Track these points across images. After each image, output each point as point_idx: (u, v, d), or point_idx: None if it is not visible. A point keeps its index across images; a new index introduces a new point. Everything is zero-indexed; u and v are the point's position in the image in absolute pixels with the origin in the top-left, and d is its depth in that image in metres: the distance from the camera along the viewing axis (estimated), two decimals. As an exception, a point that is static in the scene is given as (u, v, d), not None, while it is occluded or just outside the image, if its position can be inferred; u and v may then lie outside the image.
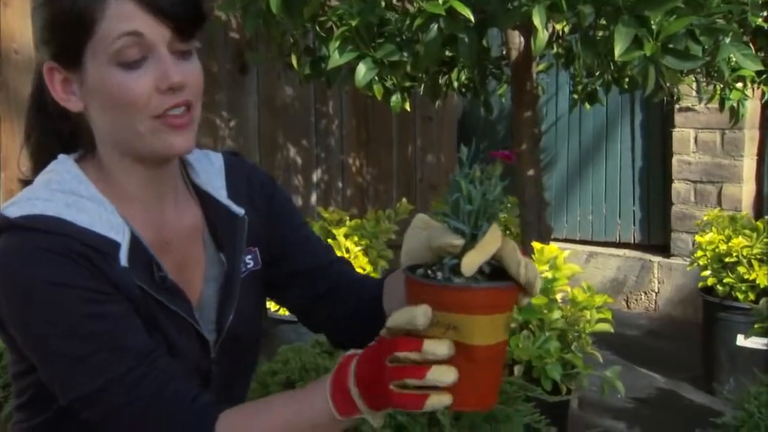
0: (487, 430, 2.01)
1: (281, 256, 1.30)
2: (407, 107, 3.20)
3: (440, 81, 3.57)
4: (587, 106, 3.85)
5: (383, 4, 2.82)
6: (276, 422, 1.02)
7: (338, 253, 1.91)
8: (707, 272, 3.76)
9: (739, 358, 3.64)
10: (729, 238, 3.71)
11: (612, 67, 3.32)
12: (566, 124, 5.73)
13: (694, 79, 3.26)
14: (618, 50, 2.26)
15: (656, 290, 5.18)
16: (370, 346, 0.96)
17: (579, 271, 3.05)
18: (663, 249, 5.26)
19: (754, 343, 3.54)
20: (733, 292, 3.65)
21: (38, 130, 1.20)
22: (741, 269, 3.61)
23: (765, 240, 3.63)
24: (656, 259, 5.21)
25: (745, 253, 3.62)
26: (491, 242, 0.90)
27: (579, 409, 3.48)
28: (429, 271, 0.92)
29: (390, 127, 5.45)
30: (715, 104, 3.35)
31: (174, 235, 1.19)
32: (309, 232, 1.36)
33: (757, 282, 3.56)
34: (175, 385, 1.05)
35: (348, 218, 3.73)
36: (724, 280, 3.67)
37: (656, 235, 5.38)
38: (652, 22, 2.27)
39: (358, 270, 1.83)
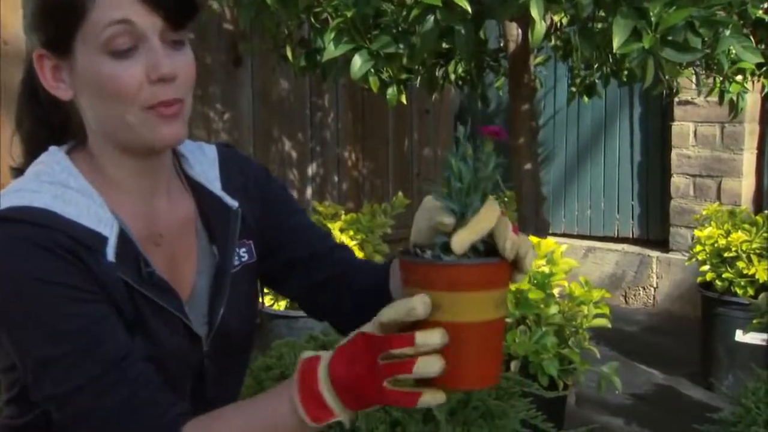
0: (483, 426, 1.99)
1: (278, 245, 1.29)
2: (403, 100, 3.21)
3: (437, 73, 3.57)
4: (585, 99, 3.84)
5: (379, -5, 2.80)
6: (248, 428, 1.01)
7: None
8: (706, 267, 3.75)
9: (737, 353, 3.64)
10: (728, 233, 3.71)
11: (610, 60, 3.33)
12: (564, 118, 5.73)
13: (693, 71, 3.26)
14: (616, 42, 2.25)
15: (655, 285, 5.18)
16: (346, 345, 0.95)
17: (576, 266, 3.05)
18: (662, 244, 5.26)
19: (752, 338, 3.54)
20: (732, 288, 3.65)
21: (29, 118, 1.19)
22: (740, 264, 3.60)
23: (764, 235, 3.62)
24: (655, 254, 5.21)
25: (744, 248, 3.61)
26: (485, 220, 0.89)
27: (576, 405, 3.48)
28: (419, 250, 0.92)
29: (386, 121, 5.44)
30: (714, 97, 3.35)
31: (166, 227, 1.18)
32: (306, 219, 1.35)
33: (757, 277, 3.56)
34: (146, 394, 1.03)
35: (343, 212, 3.73)
36: (723, 275, 3.66)
37: (655, 229, 5.38)
38: (651, 14, 2.27)
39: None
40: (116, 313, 1.06)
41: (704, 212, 4.01)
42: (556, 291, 2.91)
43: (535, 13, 2.31)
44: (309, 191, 5.10)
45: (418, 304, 0.87)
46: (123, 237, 1.09)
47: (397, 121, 5.50)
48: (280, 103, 4.94)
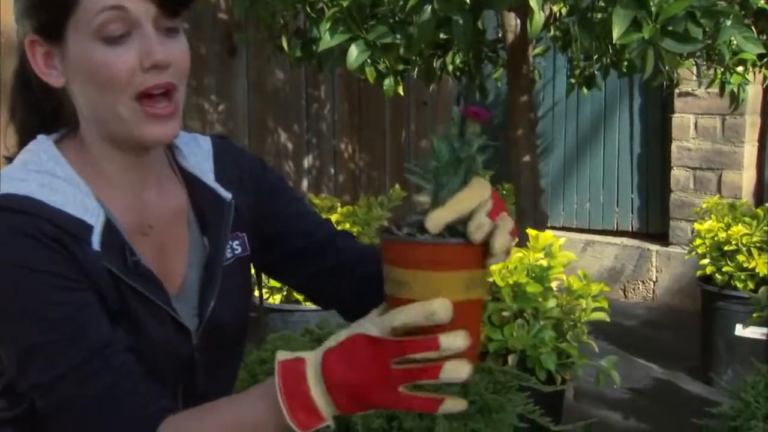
0: (480, 420, 1.99)
1: (276, 235, 1.28)
2: (400, 91, 3.22)
3: (434, 64, 3.58)
4: (585, 90, 3.84)
5: (375, -16, 2.79)
6: (221, 428, 0.99)
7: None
8: (706, 261, 3.75)
9: (737, 347, 3.63)
10: (728, 226, 3.70)
11: (610, 51, 3.33)
12: (563, 109, 5.72)
13: (693, 62, 3.26)
14: (616, 33, 2.25)
15: (654, 279, 5.17)
16: (345, 348, 0.90)
17: (575, 259, 3.05)
18: (661, 237, 5.26)
19: (752, 332, 3.54)
20: (732, 281, 3.64)
21: (22, 106, 1.19)
22: (740, 258, 3.60)
23: (765, 228, 3.62)
24: (654, 247, 5.21)
25: (744, 242, 3.61)
26: (465, 200, 0.88)
27: (574, 400, 3.47)
28: (395, 228, 0.91)
29: (383, 112, 5.44)
30: (715, 89, 3.35)
31: (156, 218, 1.17)
32: (304, 207, 1.33)
33: (757, 271, 3.54)
34: (128, 384, 1.02)
35: (340, 205, 3.75)
36: (723, 269, 3.65)
37: (654, 223, 5.38)
38: (651, 4, 2.28)
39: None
40: (100, 302, 1.06)
41: (704, 205, 4.00)
42: (554, 284, 2.90)
43: (533, 2, 2.32)
44: (305, 183, 5.10)
45: (438, 308, 0.85)
46: (109, 226, 1.09)
47: (395, 113, 5.49)
48: (275, 93, 4.93)
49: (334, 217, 3.53)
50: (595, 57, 3.53)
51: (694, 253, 3.83)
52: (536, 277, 2.84)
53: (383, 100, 4.12)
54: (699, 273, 3.84)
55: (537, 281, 2.81)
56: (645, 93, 5.26)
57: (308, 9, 3.08)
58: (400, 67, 3.17)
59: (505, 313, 2.77)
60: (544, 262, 2.89)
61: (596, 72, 3.68)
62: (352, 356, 0.89)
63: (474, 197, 0.88)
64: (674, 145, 5.04)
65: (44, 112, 1.17)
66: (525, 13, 2.91)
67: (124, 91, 1.06)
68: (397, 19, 2.63)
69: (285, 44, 3.26)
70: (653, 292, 5.17)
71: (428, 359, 0.86)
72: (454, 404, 0.88)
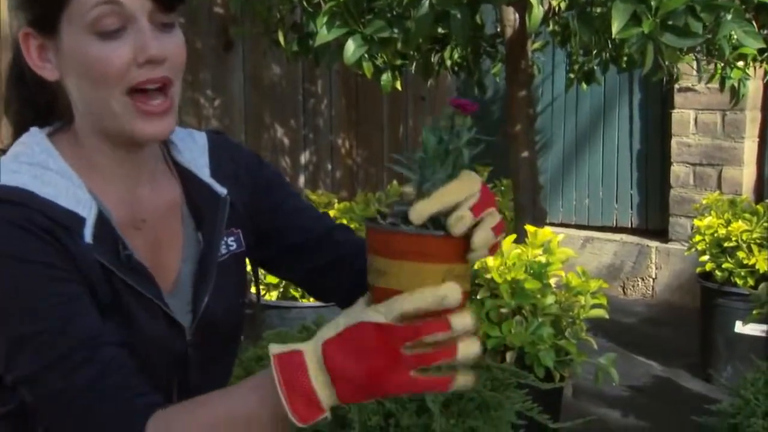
0: (478, 418, 2.00)
1: (273, 231, 1.27)
2: (398, 86, 3.21)
3: (432, 59, 3.58)
4: (584, 86, 3.84)
5: (372, -23, 2.78)
6: (213, 421, 0.98)
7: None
8: (706, 257, 3.76)
9: (737, 344, 3.64)
10: (728, 222, 3.71)
11: (610, 45, 3.33)
12: (562, 105, 5.72)
13: (693, 57, 3.25)
14: (616, 27, 2.24)
15: (654, 276, 5.17)
16: (349, 338, 0.89)
17: (574, 256, 3.05)
18: (661, 234, 5.26)
19: (752, 329, 3.55)
20: (731, 278, 3.65)
21: (17, 99, 1.19)
22: (740, 254, 3.60)
23: (765, 224, 3.62)
24: (654, 244, 5.21)
25: (744, 238, 3.61)
26: (451, 193, 0.87)
27: (573, 397, 3.48)
28: (379, 217, 0.92)
29: (381, 107, 5.44)
30: (715, 84, 3.35)
31: (150, 212, 1.17)
32: (301, 203, 1.33)
33: (757, 267, 3.55)
34: (118, 378, 1.02)
35: (337, 201, 3.76)
36: (723, 266, 3.66)
37: (654, 219, 5.38)
38: None
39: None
40: (91, 295, 1.05)
41: (704, 201, 4.01)
42: (552, 281, 2.91)
43: (532, -4, 2.29)
44: (302, 179, 5.10)
45: (449, 292, 0.85)
46: (101, 219, 1.09)
47: (392, 108, 5.49)
48: (272, 88, 4.93)
49: (331, 213, 3.53)
50: (595, 52, 3.53)
51: (693, 249, 3.83)
52: (535, 274, 2.84)
53: (381, 95, 4.11)
54: (699, 270, 3.84)
55: (535, 278, 2.81)
56: (645, 88, 5.26)
57: (305, 3, 3.07)
58: (398, 62, 3.17)
59: (503, 310, 2.77)
60: (543, 259, 2.89)
61: (595, 67, 3.68)
62: (359, 345, 0.87)
63: (461, 190, 0.88)
64: (674, 141, 5.04)
65: (38, 105, 1.17)
66: (524, 7, 2.90)
67: (117, 86, 1.06)
68: (394, 13, 2.62)
69: (281, 39, 3.26)
70: (652, 288, 5.17)
71: (437, 342, 0.86)
72: (465, 380, 0.88)
